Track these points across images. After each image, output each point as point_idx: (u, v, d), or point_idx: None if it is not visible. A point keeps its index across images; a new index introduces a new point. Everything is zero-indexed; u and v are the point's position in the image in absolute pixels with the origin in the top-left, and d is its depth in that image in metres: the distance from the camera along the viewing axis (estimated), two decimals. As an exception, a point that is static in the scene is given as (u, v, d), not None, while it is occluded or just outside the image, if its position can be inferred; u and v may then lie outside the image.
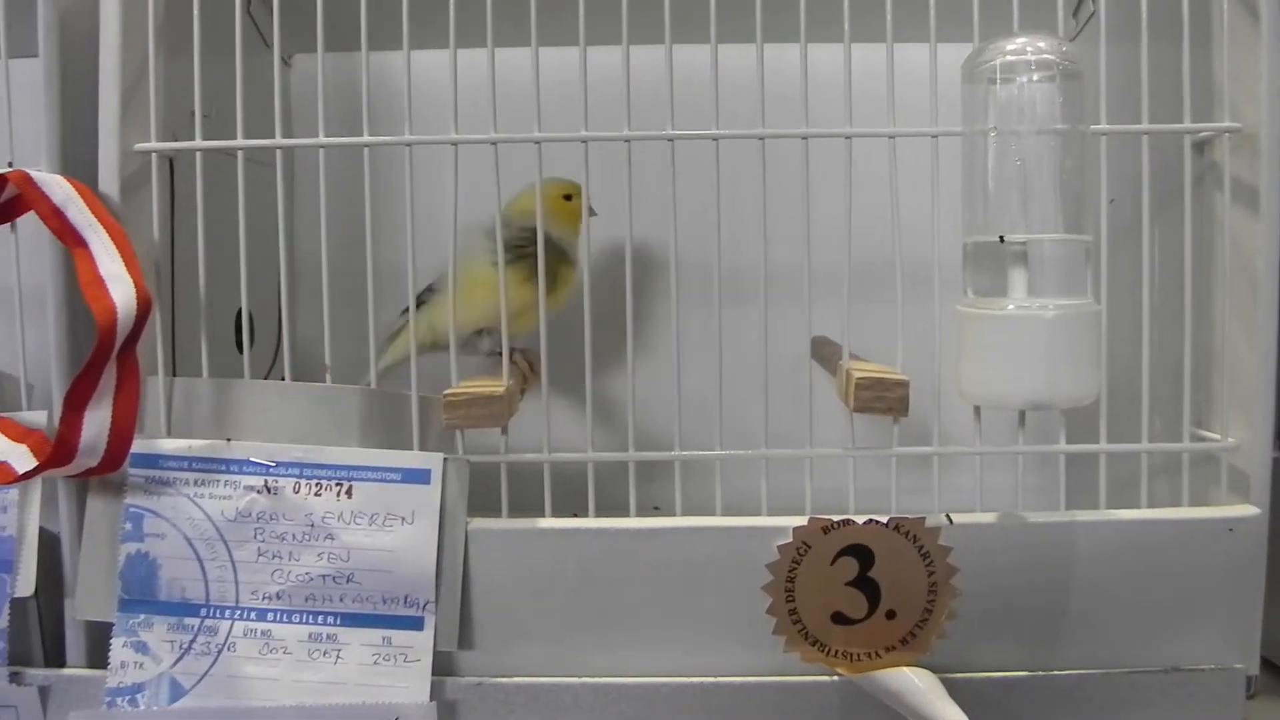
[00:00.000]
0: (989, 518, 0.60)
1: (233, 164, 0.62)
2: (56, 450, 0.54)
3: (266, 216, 0.66)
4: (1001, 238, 0.57)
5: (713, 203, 0.62)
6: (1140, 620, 0.60)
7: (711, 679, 0.59)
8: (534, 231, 0.63)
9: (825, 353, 0.72)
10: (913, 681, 0.57)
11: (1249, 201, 0.62)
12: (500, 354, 0.64)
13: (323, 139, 0.62)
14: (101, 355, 0.53)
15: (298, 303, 0.87)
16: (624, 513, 0.61)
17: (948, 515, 0.59)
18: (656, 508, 0.66)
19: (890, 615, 0.59)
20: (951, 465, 0.63)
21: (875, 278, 0.65)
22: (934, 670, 0.58)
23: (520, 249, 0.70)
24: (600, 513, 0.61)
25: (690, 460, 0.63)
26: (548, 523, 0.60)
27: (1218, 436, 0.63)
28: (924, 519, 0.58)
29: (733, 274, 0.66)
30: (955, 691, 0.57)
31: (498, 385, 0.60)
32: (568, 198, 0.75)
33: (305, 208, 0.65)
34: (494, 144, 0.62)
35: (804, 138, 0.62)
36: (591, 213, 0.68)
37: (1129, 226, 0.67)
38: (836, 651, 0.59)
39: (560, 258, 0.74)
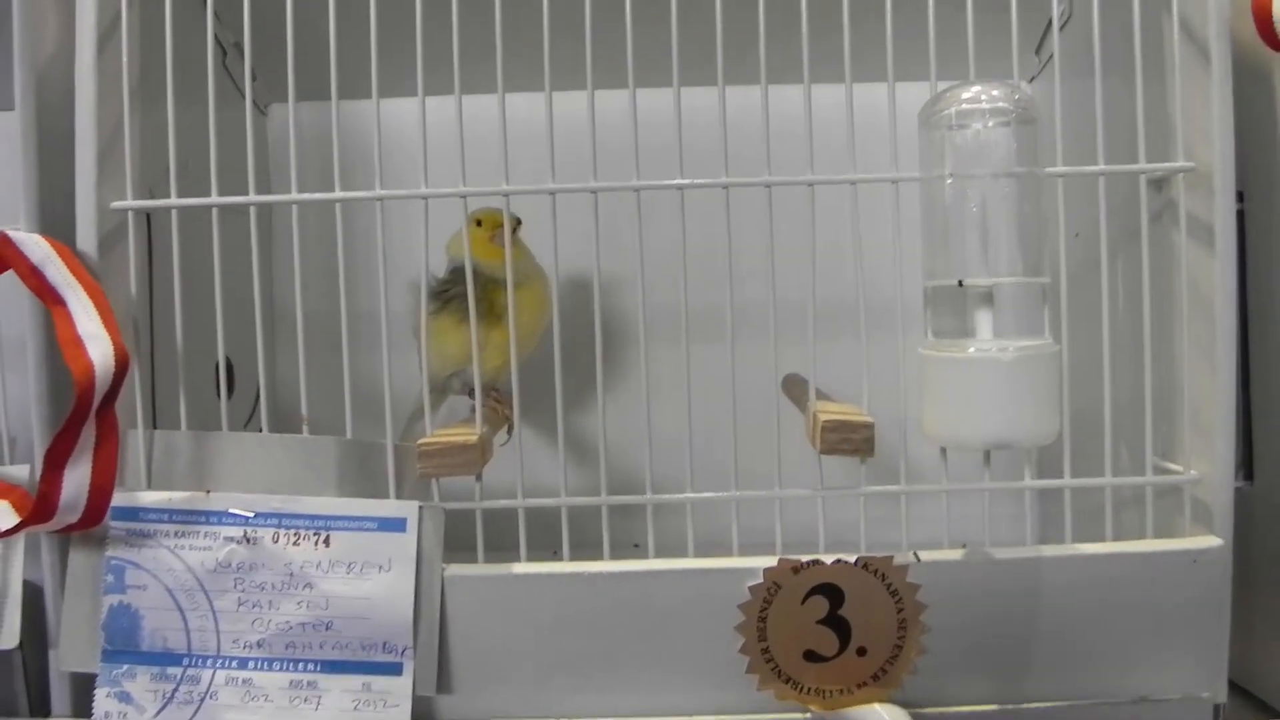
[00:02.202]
0: (956, 554, 0.61)
1: (227, 220, 0.64)
2: (38, 508, 0.55)
3: (249, 266, 0.67)
4: (960, 282, 0.58)
5: (682, 244, 0.63)
6: (1108, 652, 0.62)
7: (686, 718, 0.60)
8: (457, 273, 0.64)
9: (796, 391, 0.73)
10: (883, 718, 0.58)
11: (1205, 239, 0.64)
12: (478, 394, 0.65)
13: (295, 195, 0.64)
14: (80, 414, 0.55)
15: (282, 351, 0.89)
16: (603, 549, 0.62)
17: (915, 553, 0.61)
18: (636, 545, 0.67)
19: (861, 652, 0.60)
20: (921, 497, 0.64)
21: (845, 316, 0.67)
22: (905, 705, 0.60)
23: (444, 293, 0.71)
24: (580, 549, 0.63)
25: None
26: (522, 567, 0.61)
27: (1181, 469, 0.64)
28: (891, 557, 0.60)
29: (704, 314, 0.67)
30: (931, 727, 0.58)
31: (471, 433, 0.61)
32: (489, 226, 0.74)
33: (287, 256, 0.66)
34: (463, 197, 0.63)
35: (767, 185, 0.63)
36: (517, 223, 0.68)
37: (1093, 262, 0.68)
38: (809, 689, 0.60)
39: (494, 288, 0.72)
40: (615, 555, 0.63)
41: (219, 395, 0.74)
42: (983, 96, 0.59)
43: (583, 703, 0.61)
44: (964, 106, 0.59)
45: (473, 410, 0.65)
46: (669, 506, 0.64)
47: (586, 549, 0.63)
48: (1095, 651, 0.61)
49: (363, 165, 0.66)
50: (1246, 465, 0.68)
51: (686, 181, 0.63)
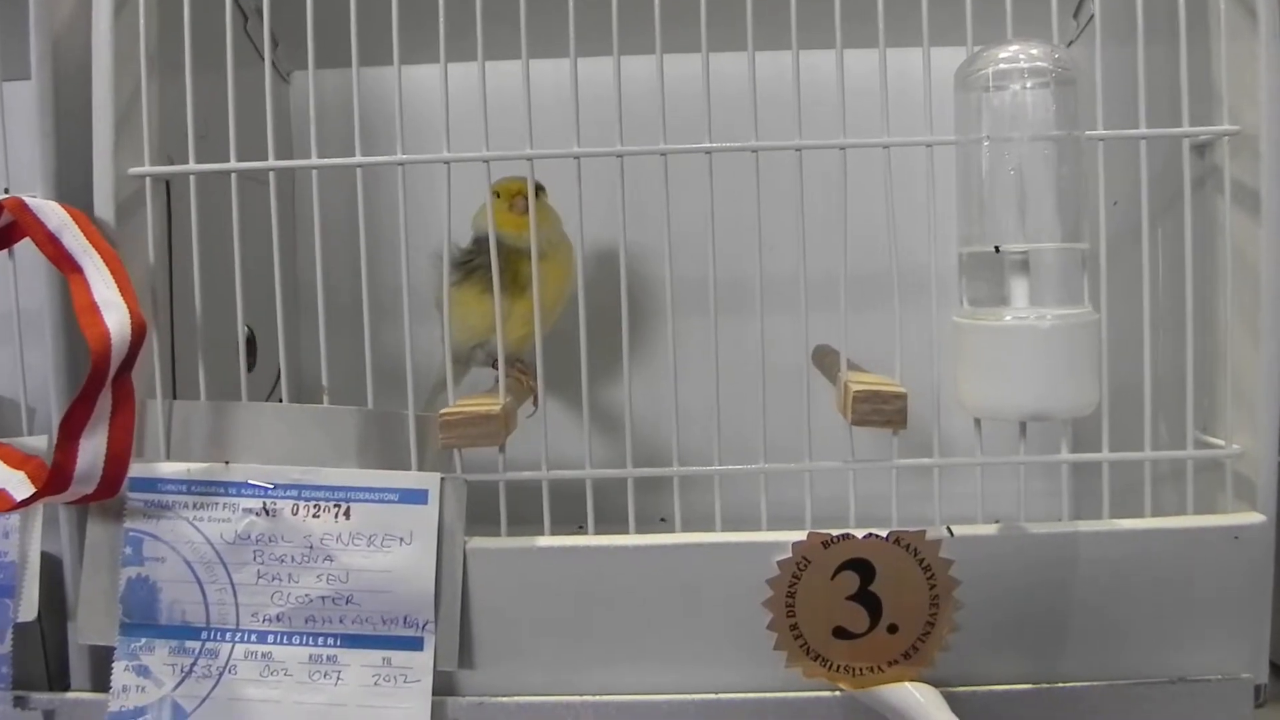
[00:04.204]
0: (990, 529, 0.60)
1: (246, 189, 0.63)
2: (53, 478, 0.54)
3: (270, 235, 0.66)
4: (997, 248, 0.57)
5: (710, 212, 0.62)
6: (1145, 630, 0.60)
7: (713, 695, 0.59)
8: (480, 243, 0.63)
9: (826, 362, 0.71)
10: (914, 696, 0.57)
11: (1250, 205, 0.62)
12: (503, 365, 0.64)
13: (315, 160, 0.62)
14: (96, 382, 0.54)
15: (306, 321, 0.88)
16: (628, 523, 0.61)
17: (949, 528, 0.59)
18: (663, 519, 0.66)
19: (892, 629, 0.59)
20: (954, 471, 0.63)
21: (876, 285, 0.65)
22: (937, 683, 0.58)
23: (468, 263, 0.69)
24: (606, 523, 0.61)
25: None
26: (546, 541, 0.59)
27: (1222, 443, 0.62)
28: (924, 532, 0.58)
29: (733, 284, 0.66)
30: (958, 705, 0.56)
31: (494, 403, 0.60)
32: (497, 195, 0.72)
33: (309, 225, 0.65)
34: (486, 162, 0.62)
35: (798, 150, 0.61)
36: (540, 189, 0.67)
37: (1133, 231, 0.66)
38: (838, 666, 0.59)
39: (518, 258, 0.71)
40: (641, 529, 0.61)
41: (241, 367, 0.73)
42: (1021, 56, 0.57)
43: (607, 678, 0.59)
44: (1001, 66, 0.57)
45: (496, 382, 0.64)
46: (696, 480, 0.63)
47: (612, 523, 0.62)
48: (1132, 630, 0.60)
49: (386, 132, 0.65)
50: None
51: (715, 145, 0.62)
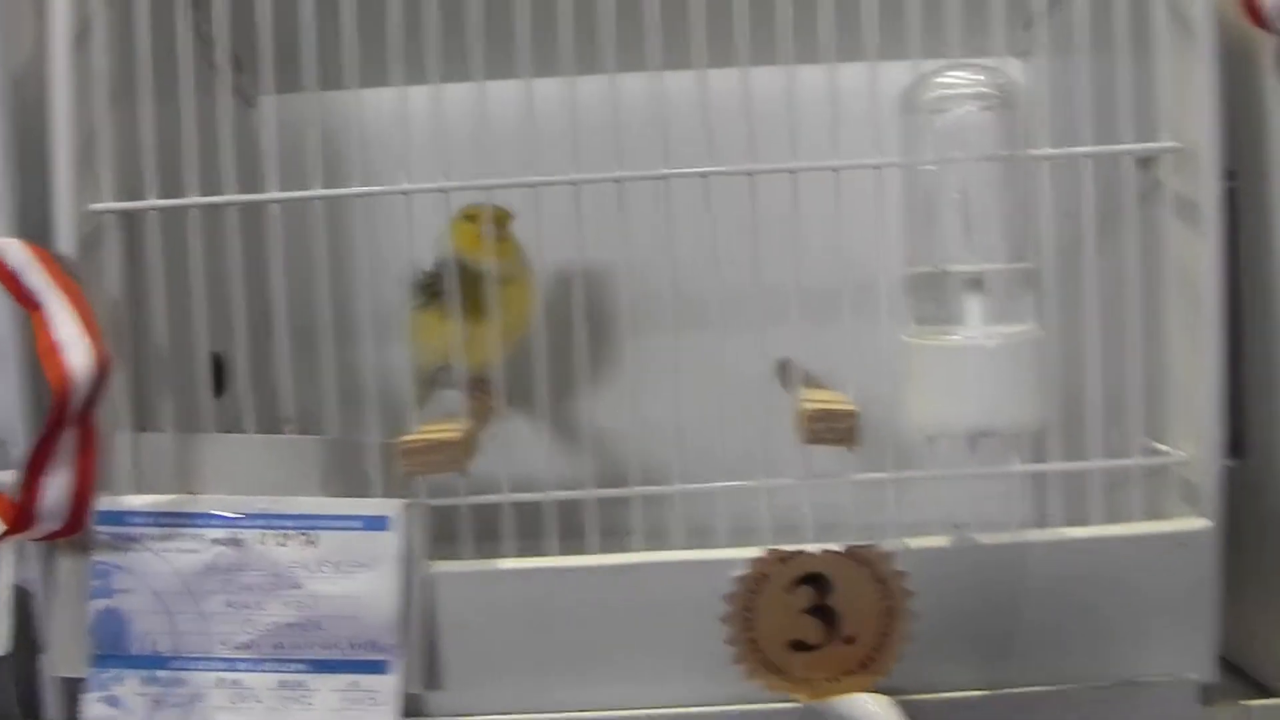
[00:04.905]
0: (942, 542, 0.61)
1: (198, 212, 0.63)
2: (18, 517, 0.55)
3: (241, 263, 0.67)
4: (942, 268, 0.58)
5: (669, 234, 0.63)
6: (1094, 635, 0.61)
7: (675, 710, 0.61)
8: (444, 268, 0.64)
9: (788, 376, 0.72)
10: (868, 706, 0.58)
11: (1192, 219, 0.63)
12: (460, 387, 0.66)
13: (273, 194, 0.63)
14: (58, 421, 0.54)
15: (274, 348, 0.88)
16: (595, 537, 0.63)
17: (902, 541, 0.60)
18: (629, 532, 0.67)
19: (848, 641, 0.60)
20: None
21: (835, 301, 0.66)
22: (893, 692, 0.59)
23: (430, 287, 0.71)
24: (576, 537, 0.63)
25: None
26: (509, 563, 0.61)
27: (1170, 451, 0.64)
28: (878, 546, 0.59)
29: (693, 303, 0.67)
30: (913, 712, 0.58)
31: (454, 430, 0.61)
32: (473, 220, 0.72)
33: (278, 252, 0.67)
34: (445, 192, 0.63)
35: (749, 174, 0.63)
36: (508, 217, 0.69)
37: (1084, 244, 0.67)
38: (796, 678, 0.60)
39: (481, 283, 0.70)
40: (610, 543, 0.63)
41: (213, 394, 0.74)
42: (963, 81, 0.58)
43: (572, 696, 0.61)
44: (944, 91, 0.58)
45: (458, 405, 0.65)
46: (663, 495, 0.64)
47: (582, 537, 0.63)
48: (1082, 635, 0.61)
49: (354, 156, 0.66)
50: (1241, 444, 0.68)
51: (669, 171, 0.63)
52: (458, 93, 0.67)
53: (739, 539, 0.61)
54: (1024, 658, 0.61)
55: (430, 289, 0.71)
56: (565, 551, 0.63)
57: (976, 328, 0.57)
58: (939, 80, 0.58)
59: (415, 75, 0.64)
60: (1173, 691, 0.61)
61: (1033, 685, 0.61)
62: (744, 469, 0.64)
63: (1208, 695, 0.62)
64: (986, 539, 0.61)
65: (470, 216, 0.71)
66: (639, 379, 0.65)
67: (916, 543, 0.60)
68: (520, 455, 0.65)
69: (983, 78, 0.58)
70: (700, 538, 0.63)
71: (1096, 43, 0.64)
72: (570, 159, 0.64)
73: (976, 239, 0.58)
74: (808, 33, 0.62)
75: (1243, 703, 0.62)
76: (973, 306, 0.57)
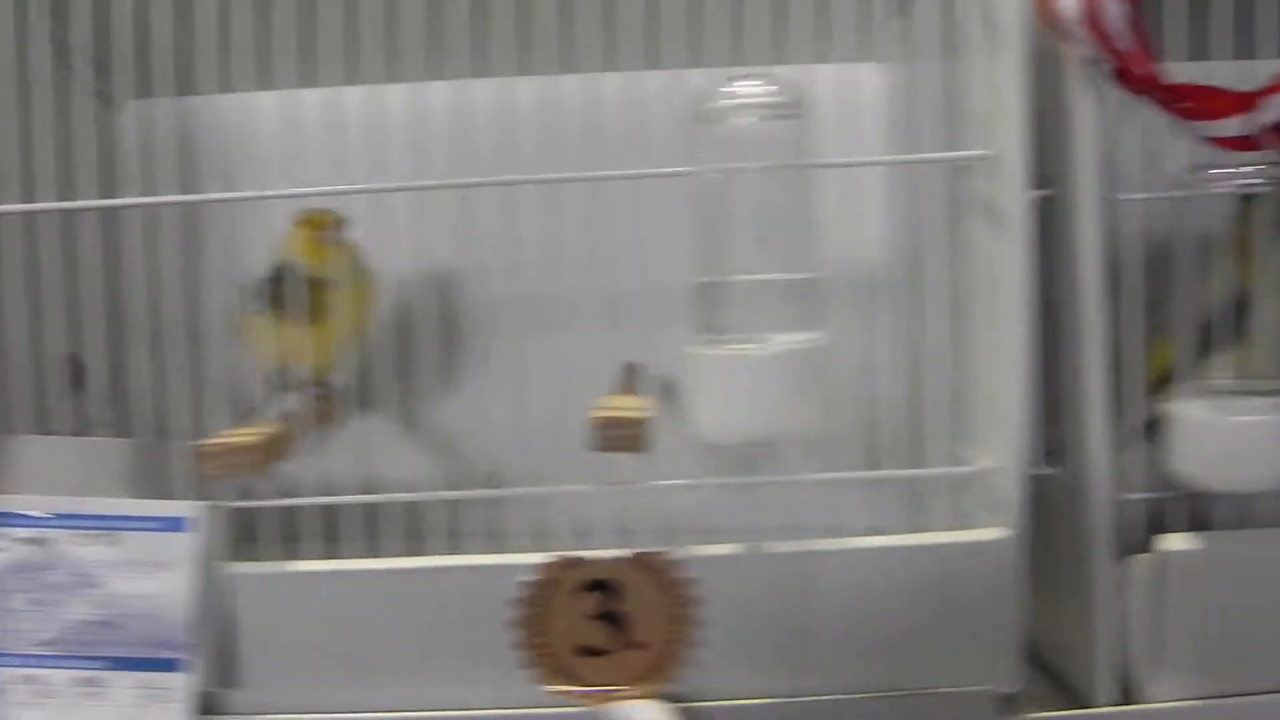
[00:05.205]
0: (732, 549, 0.61)
1: (69, 217, 0.66)
2: None
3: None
4: (727, 278, 0.58)
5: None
6: (893, 644, 0.61)
7: (465, 712, 0.61)
8: (282, 273, 0.66)
9: (631, 380, 0.73)
10: (644, 713, 0.58)
11: (1001, 226, 0.63)
12: (303, 392, 0.69)
13: (126, 199, 0.66)
14: None
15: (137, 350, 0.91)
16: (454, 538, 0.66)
17: (689, 548, 0.61)
18: (471, 534, 0.69)
19: (636, 646, 0.61)
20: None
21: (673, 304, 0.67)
22: (685, 699, 0.60)
23: (266, 291, 0.72)
24: (437, 537, 0.66)
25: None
26: (307, 565, 0.62)
27: (982, 459, 0.64)
28: (666, 552, 0.60)
29: (541, 304, 0.68)
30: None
31: (254, 434, 0.62)
32: (310, 226, 0.73)
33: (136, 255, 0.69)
34: (291, 198, 0.65)
35: (546, 181, 0.64)
36: (340, 223, 0.71)
37: (914, 252, 0.68)
38: (584, 683, 0.61)
39: (317, 288, 0.72)
40: (455, 544, 0.66)
41: (74, 394, 0.76)
42: (751, 91, 0.59)
43: (366, 697, 0.61)
44: (734, 100, 0.59)
45: (289, 407, 0.67)
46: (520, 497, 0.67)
47: (432, 538, 0.66)
48: (879, 644, 0.61)
49: (215, 162, 0.69)
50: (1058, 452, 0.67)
51: (472, 180, 0.64)
52: (312, 98, 0.70)
53: (579, 542, 0.62)
54: (821, 666, 0.61)
55: (266, 294, 0.72)
56: (410, 553, 0.64)
57: (756, 336, 0.58)
58: (727, 89, 0.59)
59: (265, 81, 0.66)
60: (969, 702, 0.61)
61: (827, 694, 0.61)
62: (593, 471, 0.65)
63: (1008, 705, 0.62)
64: (777, 547, 0.61)
65: (306, 222, 0.72)
66: (489, 382, 0.66)
67: (704, 550, 0.61)
68: (385, 456, 0.67)
69: (770, 88, 0.59)
70: (542, 540, 0.64)
71: (930, 50, 0.65)
72: (416, 167, 0.66)
73: (762, 249, 0.59)
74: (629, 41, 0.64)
75: (1032, 715, 0.62)
76: (751, 316, 0.58)
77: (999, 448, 0.63)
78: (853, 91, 0.71)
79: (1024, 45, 0.62)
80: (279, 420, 0.66)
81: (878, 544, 0.62)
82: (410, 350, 0.70)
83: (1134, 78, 0.60)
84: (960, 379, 0.66)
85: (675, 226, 0.61)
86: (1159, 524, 0.62)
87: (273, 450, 0.63)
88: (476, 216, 0.67)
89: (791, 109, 0.58)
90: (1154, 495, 0.62)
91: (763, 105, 0.58)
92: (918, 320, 0.67)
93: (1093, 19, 0.59)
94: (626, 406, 0.62)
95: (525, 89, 0.66)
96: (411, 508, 0.66)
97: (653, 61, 0.64)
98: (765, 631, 0.61)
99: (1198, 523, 0.63)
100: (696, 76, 0.64)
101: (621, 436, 0.61)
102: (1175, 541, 0.61)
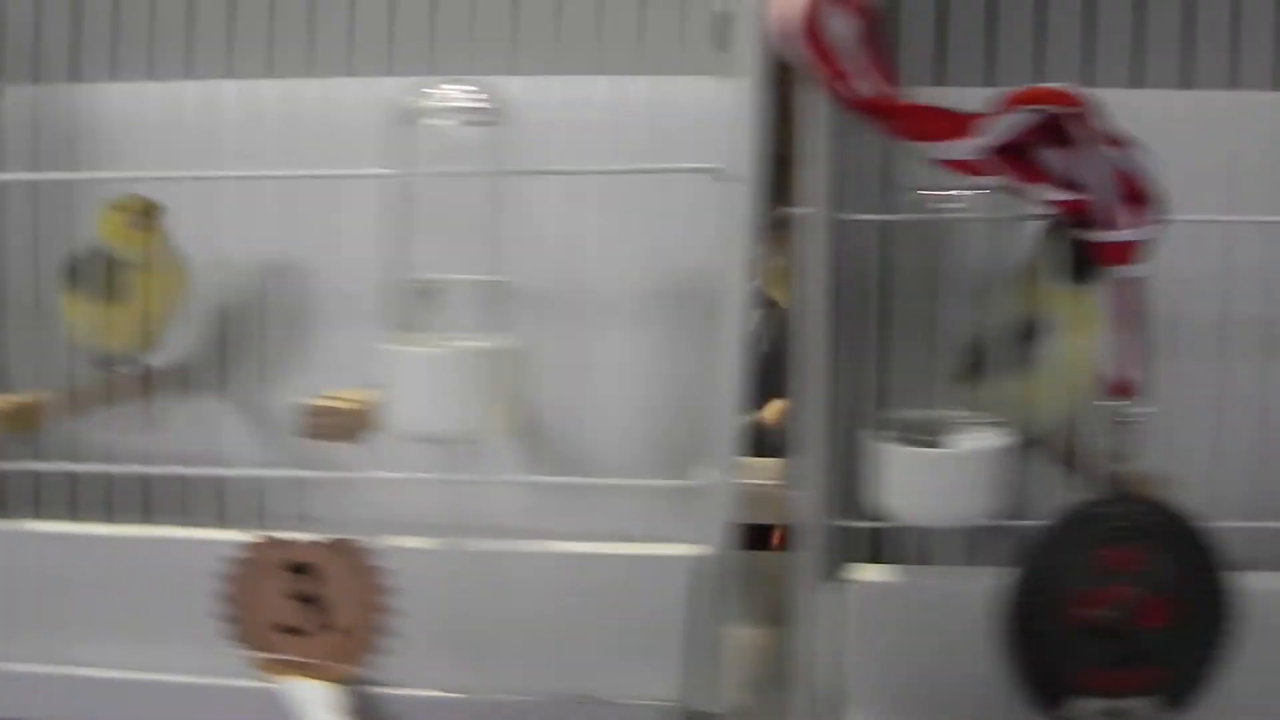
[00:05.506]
0: (430, 543, 0.63)
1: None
2: None
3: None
4: (415, 279, 0.60)
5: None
6: (581, 650, 0.61)
7: (164, 677, 0.64)
8: (92, 255, 0.70)
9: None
10: (308, 693, 0.60)
11: (727, 241, 0.62)
12: (114, 369, 0.74)
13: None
14: None
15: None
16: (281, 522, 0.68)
17: (384, 539, 0.62)
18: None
19: (329, 629, 0.62)
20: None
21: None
22: (374, 684, 0.62)
23: (79, 272, 0.76)
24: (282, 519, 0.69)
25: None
26: (32, 525, 0.66)
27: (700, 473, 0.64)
28: (362, 540, 0.62)
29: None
30: (389, 707, 0.60)
31: (20, 399, 0.67)
32: (119, 210, 0.76)
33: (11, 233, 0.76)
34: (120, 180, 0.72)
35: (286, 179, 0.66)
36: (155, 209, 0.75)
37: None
38: (278, 660, 0.63)
39: (124, 270, 0.75)
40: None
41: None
42: (453, 93, 0.60)
43: (80, 653, 0.64)
44: (435, 103, 0.60)
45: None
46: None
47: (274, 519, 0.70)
48: (567, 649, 0.62)
49: (70, 150, 0.76)
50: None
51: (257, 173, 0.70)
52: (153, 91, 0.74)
53: (299, 526, 0.65)
54: (511, 666, 0.62)
55: (76, 273, 0.76)
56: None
57: (437, 336, 0.59)
58: (429, 92, 0.60)
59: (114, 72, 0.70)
60: (636, 714, 0.61)
61: (515, 693, 0.62)
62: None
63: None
64: (473, 546, 0.62)
65: (118, 207, 0.76)
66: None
67: (402, 542, 0.62)
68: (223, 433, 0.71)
69: (472, 92, 0.60)
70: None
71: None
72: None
73: (452, 250, 0.60)
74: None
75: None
76: (434, 316, 0.59)
77: (709, 466, 0.63)
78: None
79: (759, 59, 0.61)
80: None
81: (574, 550, 0.62)
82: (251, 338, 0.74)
83: (849, 95, 0.59)
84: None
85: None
86: (871, 553, 0.61)
87: (34, 416, 0.67)
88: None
89: (495, 115, 0.59)
90: (859, 524, 0.61)
91: (463, 110, 0.59)
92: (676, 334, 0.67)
93: (811, 34, 0.59)
94: (346, 397, 0.64)
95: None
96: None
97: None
98: (458, 626, 0.62)
99: (922, 555, 0.61)
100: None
101: (333, 425, 0.63)
102: (860, 571, 0.59)
